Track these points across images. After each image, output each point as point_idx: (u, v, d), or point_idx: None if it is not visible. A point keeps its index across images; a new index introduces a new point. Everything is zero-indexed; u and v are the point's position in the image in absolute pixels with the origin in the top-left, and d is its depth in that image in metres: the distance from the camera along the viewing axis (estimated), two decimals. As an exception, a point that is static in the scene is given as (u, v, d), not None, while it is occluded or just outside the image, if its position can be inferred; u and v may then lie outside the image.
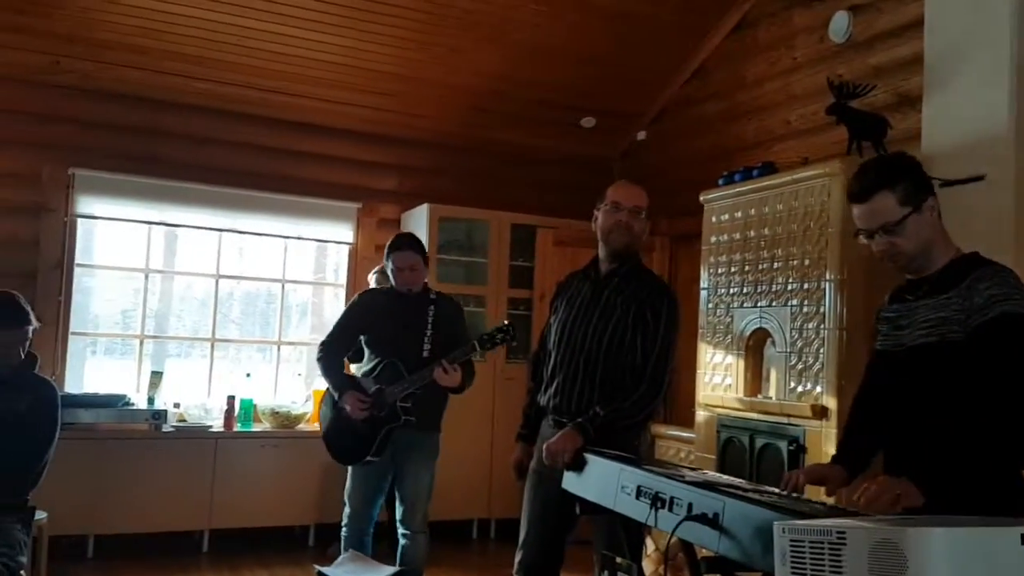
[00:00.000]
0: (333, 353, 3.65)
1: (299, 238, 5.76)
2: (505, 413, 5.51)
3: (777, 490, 2.07)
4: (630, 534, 2.25)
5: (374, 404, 3.47)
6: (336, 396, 3.56)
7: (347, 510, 3.61)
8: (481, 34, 5.21)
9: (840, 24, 4.47)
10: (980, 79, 3.46)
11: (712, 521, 1.77)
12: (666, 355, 2.68)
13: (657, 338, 2.67)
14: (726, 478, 2.35)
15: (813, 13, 4.72)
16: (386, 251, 3.63)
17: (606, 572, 1.67)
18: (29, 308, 2.95)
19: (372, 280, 4.94)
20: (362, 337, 3.71)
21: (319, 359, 3.65)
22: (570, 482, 2.48)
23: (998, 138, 3.37)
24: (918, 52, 3.84)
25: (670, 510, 1.95)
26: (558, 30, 5.22)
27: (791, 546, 1.17)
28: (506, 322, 3.64)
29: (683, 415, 5.10)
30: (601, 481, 2.30)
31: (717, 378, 4.26)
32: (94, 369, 5.44)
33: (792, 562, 1.17)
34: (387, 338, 3.59)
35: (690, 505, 1.87)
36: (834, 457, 2.20)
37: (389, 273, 3.64)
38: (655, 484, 2.03)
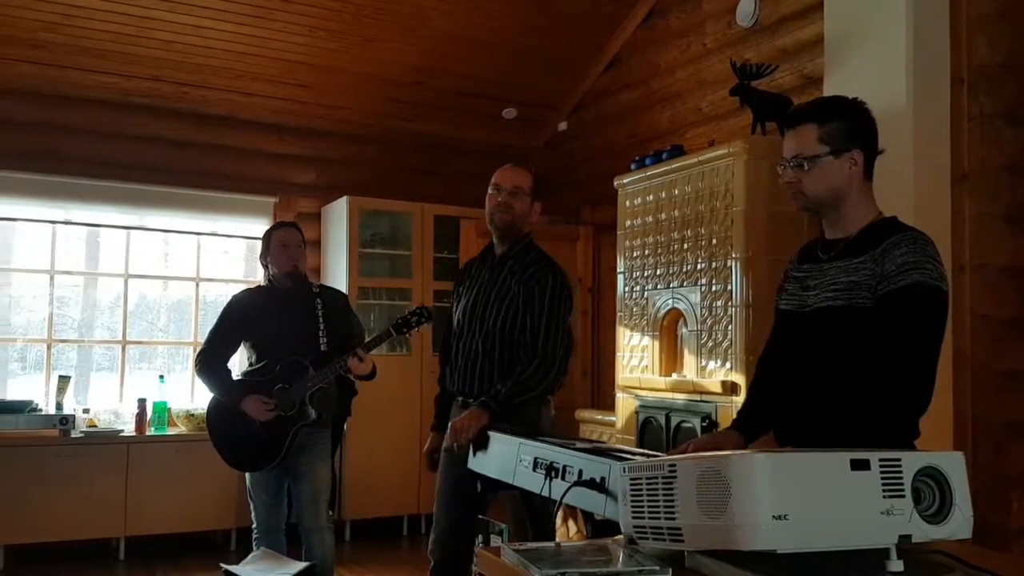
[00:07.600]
0: (214, 361, 3.43)
1: (214, 234, 5.62)
2: (433, 406, 5.45)
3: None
4: (532, 509, 2.23)
5: (279, 404, 3.34)
6: (230, 403, 3.36)
7: (254, 516, 3.48)
8: (395, 23, 5.14)
9: (747, 9, 4.53)
10: (877, 57, 3.52)
11: (599, 485, 1.76)
12: (555, 328, 2.69)
13: (543, 313, 2.70)
14: (621, 446, 2.35)
15: (721, -1, 4.78)
16: (264, 239, 3.50)
17: (480, 536, 1.66)
18: None
19: None
20: (244, 341, 3.50)
21: (199, 371, 3.44)
22: (475, 461, 2.45)
23: (896, 114, 3.44)
24: (821, 33, 3.90)
25: (563, 478, 1.93)
26: (474, 19, 5.19)
27: (631, 485, 1.17)
28: (420, 305, 3.59)
29: (607, 399, 5.11)
30: (502, 457, 2.28)
31: (635, 360, 4.28)
32: (19, 380, 5.23)
33: (632, 500, 1.16)
34: (277, 337, 3.40)
35: (580, 472, 1.86)
36: (733, 422, 2.15)
37: (268, 263, 3.48)
38: (549, 454, 2.02)
